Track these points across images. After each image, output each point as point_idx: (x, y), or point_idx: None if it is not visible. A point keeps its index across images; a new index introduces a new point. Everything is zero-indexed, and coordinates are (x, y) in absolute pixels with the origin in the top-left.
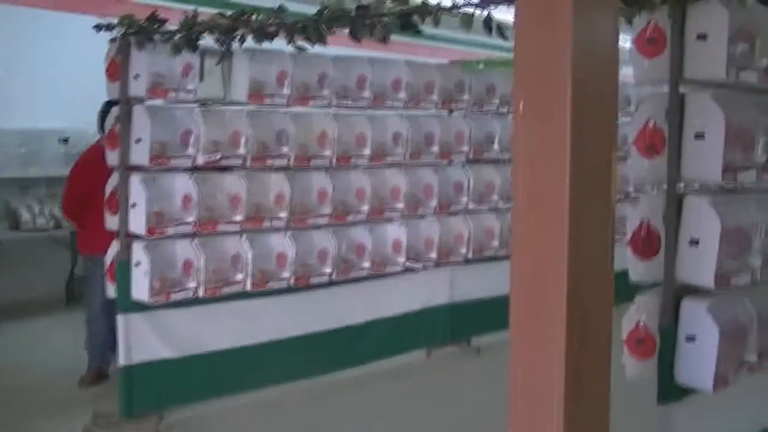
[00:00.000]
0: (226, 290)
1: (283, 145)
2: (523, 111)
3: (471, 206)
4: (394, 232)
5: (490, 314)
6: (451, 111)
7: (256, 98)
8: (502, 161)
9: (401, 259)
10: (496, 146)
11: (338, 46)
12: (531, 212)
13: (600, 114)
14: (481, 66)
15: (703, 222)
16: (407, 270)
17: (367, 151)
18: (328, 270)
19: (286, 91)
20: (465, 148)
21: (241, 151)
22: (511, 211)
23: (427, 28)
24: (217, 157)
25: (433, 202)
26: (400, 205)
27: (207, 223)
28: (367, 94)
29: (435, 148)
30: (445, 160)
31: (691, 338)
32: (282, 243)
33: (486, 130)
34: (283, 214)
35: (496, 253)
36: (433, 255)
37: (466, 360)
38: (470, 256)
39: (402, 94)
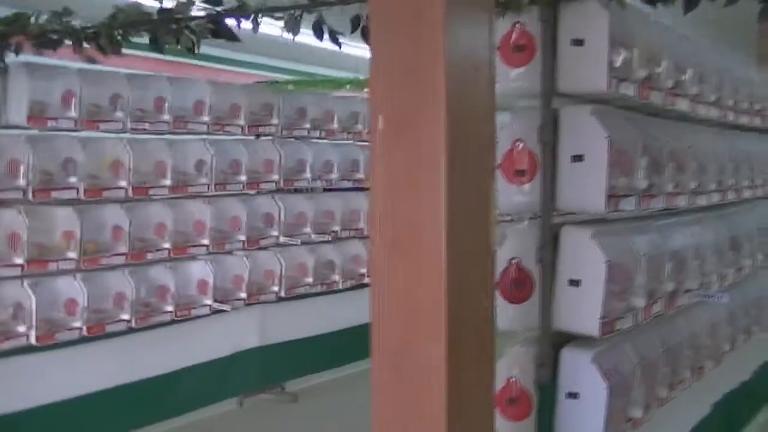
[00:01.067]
0: (5, 345)
1: (71, 175)
2: (383, 128)
3: (282, 240)
4: (200, 270)
5: (305, 356)
6: (258, 136)
7: (38, 121)
8: (313, 190)
9: (208, 301)
10: (307, 174)
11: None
12: (396, 250)
13: (478, 129)
14: (290, 87)
15: (585, 258)
16: (215, 312)
17: (167, 181)
18: (125, 316)
19: (73, 112)
20: (275, 177)
21: (21, 182)
22: (369, 248)
23: (230, 51)
24: None
25: (242, 236)
26: (205, 241)
27: None
28: (166, 116)
29: (242, 177)
30: (254, 190)
31: (573, 395)
32: (71, 287)
33: (297, 157)
34: (72, 254)
35: (309, 290)
36: (243, 294)
37: (282, 407)
38: (282, 294)
39: (205, 117)
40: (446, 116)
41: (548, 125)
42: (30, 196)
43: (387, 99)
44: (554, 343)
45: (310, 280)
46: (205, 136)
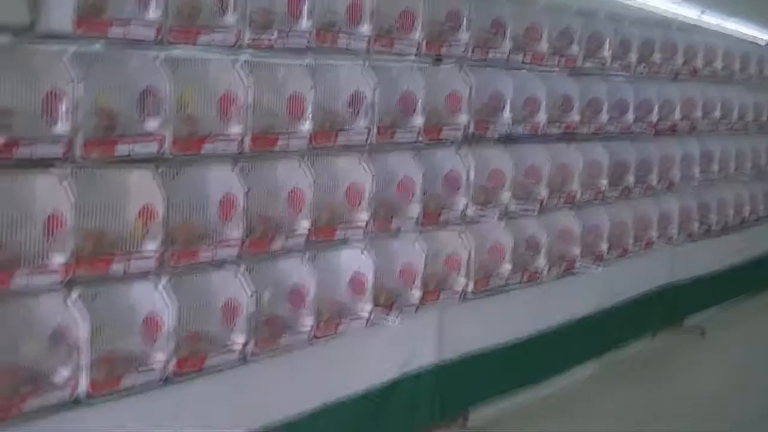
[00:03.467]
0: (36, 402)
1: (151, 116)
2: None
3: (471, 212)
4: (354, 261)
5: (497, 373)
6: (438, 59)
7: (93, 26)
8: (516, 139)
9: (366, 307)
10: (506, 116)
11: None
12: None
13: None
14: None
15: None
16: (374, 323)
17: (305, 126)
18: (239, 339)
19: (152, 14)
20: (462, 119)
21: (63, 129)
22: None
23: None
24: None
25: (415, 209)
26: (363, 217)
27: None
28: (304, 25)
29: (417, 120)
30: (432, 139)
31: None
32: (151, 300)
33: (492, 89)
34: (152, 246)
35: (507, 281)
36: (416, 293)
37: None
38: (470, 288)
39: (364, 29)
40: None
41: None
42: (79, 152)
43: None
44: None
45: (508, 267)
46: (362, 60)
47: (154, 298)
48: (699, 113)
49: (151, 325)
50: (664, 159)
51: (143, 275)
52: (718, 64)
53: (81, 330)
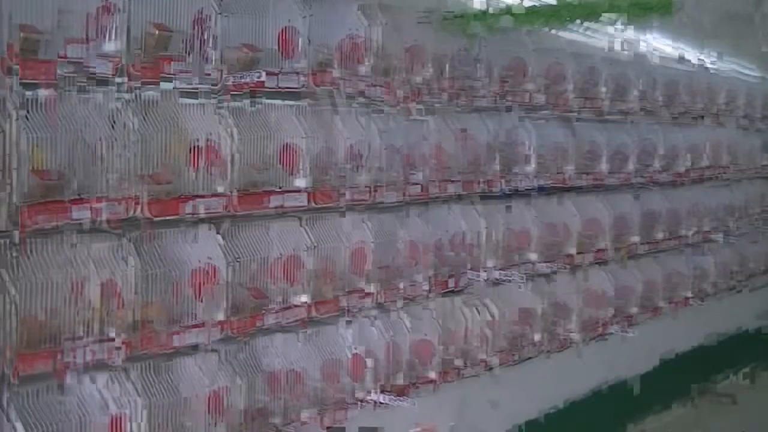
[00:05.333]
0: None
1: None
2: None
3: (493, 275)
4: (360, 337)
5: None
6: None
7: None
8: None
9: (376, 388)
10: (530, 168)
11: None
12: None
13: None
14: (482, 24)
15: None
16: (378, 405)
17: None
18: None
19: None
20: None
21: None
22: None
23: None
24: None
25: (426, 273)
26: (370, 285)
27: None
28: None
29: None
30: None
31: None
32: (115, 397)
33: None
34: (115, 334)
35: (534, 350)
36: (430, 374)
37: None
38: (495, 361)
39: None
40: None
41: None
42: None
43: None
44: None
45: (536, 336)
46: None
47: (118, 395)
48: (726, 158)
49: (115, 427)
50: (694, 210)
51: (103, 367)
52: (740, 103)
53: None
